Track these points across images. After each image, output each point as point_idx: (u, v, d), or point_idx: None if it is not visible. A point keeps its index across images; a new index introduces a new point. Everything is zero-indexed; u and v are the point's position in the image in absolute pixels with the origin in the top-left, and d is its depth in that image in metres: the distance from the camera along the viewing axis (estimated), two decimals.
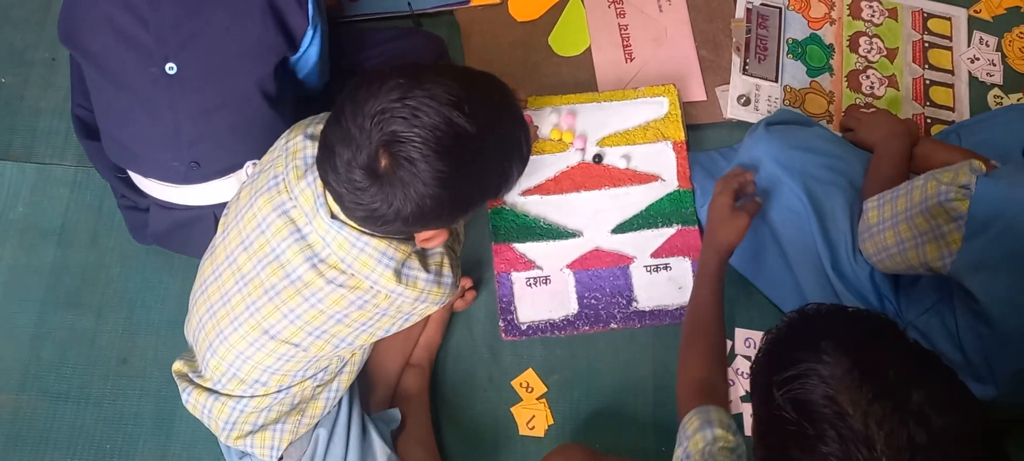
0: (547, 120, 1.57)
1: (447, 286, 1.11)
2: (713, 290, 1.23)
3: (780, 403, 0.75)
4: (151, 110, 1.24)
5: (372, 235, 1.03)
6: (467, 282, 1.47)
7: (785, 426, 0.74)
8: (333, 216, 1.03)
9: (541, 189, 1.55)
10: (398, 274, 1.05)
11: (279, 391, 1.18)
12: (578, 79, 1.66)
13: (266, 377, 1.16)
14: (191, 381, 1.21)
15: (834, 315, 0.81)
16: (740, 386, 1.43)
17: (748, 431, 1.36)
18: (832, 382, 0.73)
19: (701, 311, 1.22)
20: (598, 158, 1.55)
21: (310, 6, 1.24)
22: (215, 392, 1.19)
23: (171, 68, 1.20)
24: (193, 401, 1.20)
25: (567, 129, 1.56)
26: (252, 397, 1.17)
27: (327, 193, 1.02)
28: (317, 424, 1.24)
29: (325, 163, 0.98)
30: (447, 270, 1.11)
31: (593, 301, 1.48)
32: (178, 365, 1.24)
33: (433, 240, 1.05)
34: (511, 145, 1.00)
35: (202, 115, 1.24)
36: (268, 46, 1.23)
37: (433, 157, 0.92)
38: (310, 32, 1.26)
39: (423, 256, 1.08)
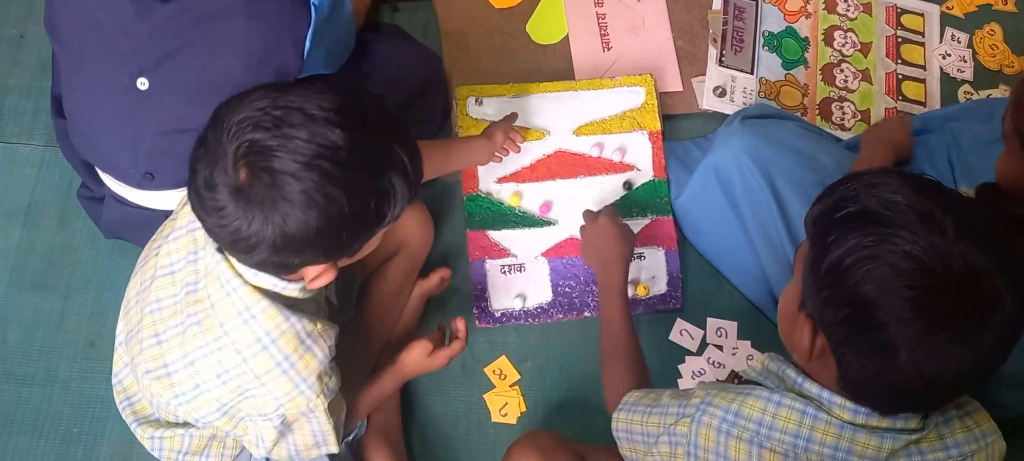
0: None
1: (302, 390, 0.99)
2: (622, 305, 1.24)
3: (859, 196, 0.83)
4: (116, 116, 1.20)
5: (246, 283, 0.96)
6: (445, 272, 1.46)
7: (857, 219, 0.82)
8: (219, 248, 0.97)
9: (516, 177, 1.55)
10: (253, 333, 0.97)
11: (182, 425, 1.15)
12: (555, 67, 1.66)
13: (134, 408, 1.14)
14: (125, 395, 1.20)
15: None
16: (712, 375, 1.44)
17: None
18: (909, 195, 0.82)
19: (615, 328, 1.23)
20: (628, 185, 1.54)
21: (308, 44, 1.12)
22: (136, 417, 1.17)
23: (143, 84, 1.14)
24: (127, 420, 1.20)
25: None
26: (167, 425, 1.15)
27: None
28: None
29: (189, 187, 0.91)
30: (308, 373, 0.99)
31: (567, 289, 1.48)
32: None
33: (319, 279, 0.96)
34: (389, 161, 0.91)
35: (165, 134, 1.19)
36: (251, 84, 1.13)
37: (296, 168, 0.85)
38: (305, 62, 1.14)
39: (300, 346, 0.98)
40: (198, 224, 0.98)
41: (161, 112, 1.17)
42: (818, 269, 0.84)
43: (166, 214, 1.25)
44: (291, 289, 0.98)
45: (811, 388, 0.88)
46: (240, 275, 0.96)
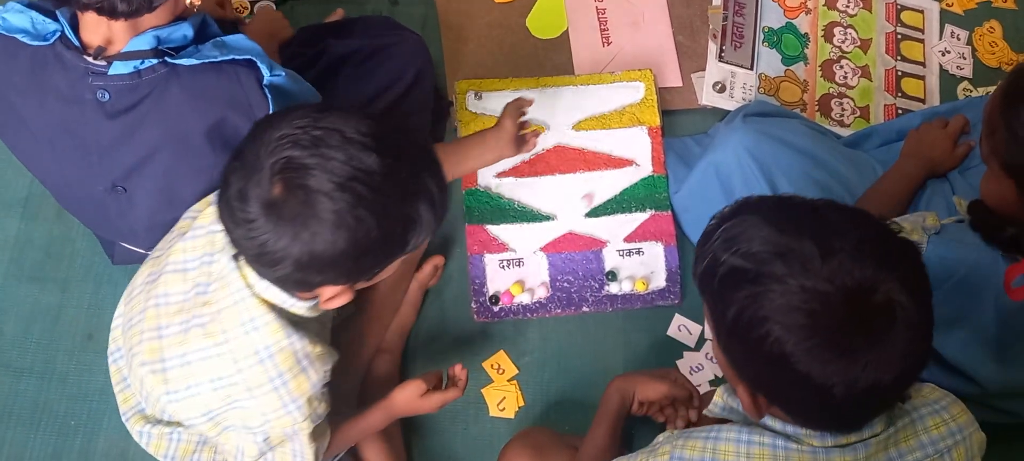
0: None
1: (290, 410, 1.00)
2: (611, 434, 1.21)
3: (721, 257, 0.82)
4: (105, 216, 1.22)
5: (255, 295, 0.97)
6: (438, 260, 1.46)
7: (730, 279, 0.81)
8: (235, 256, 0.98)
9: (516, 171, 1.54)
10: (252, 345, 0.97)
11: (170, 422, 1.15)
12: (555, 62, 1.65)
13: (124, 395, 1.14)
14: (120, 376, 1.20)
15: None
16: (710, 370, 1.44)
17: None
18: (765, 235, 0.81)
19: (594, 455, 1.20)
20: (612, 275, 1.48)
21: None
22: (129, 407, 1.18)
23: (120, 190, 1.15)
24: (123, 409, 1.20)
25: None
26: (155, 422, 1.15)
27: None
28: None
29: (220, 198, 0.92)
30: (298, 394, 1.00)
31: (565, 284, 1.48)
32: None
33: (335, 300, 0.97)
34: (418, 190, 0.92)
35: (154, 227, 1.20)
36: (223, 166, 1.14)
37: (331, 188, 0.86)
38: None
39: (296, 366, 0.99)
40: (219, 226, 0.98)
41: (145, 210, 1.18)
42: (722, 334, 0.84)
43: None
44: (299, 307, 0.99)
45: (774, 424, 0.88)
46: (250, 286, 0.97)
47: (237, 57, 1.06)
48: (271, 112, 1.08)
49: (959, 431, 0.90)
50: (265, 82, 1.08)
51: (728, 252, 0.81)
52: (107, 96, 1.06)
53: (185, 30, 1.06)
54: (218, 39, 1.09)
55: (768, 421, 0.88)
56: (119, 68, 1.04)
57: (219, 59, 1.06)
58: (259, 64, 1.07)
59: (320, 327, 1.07)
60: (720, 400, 0.94)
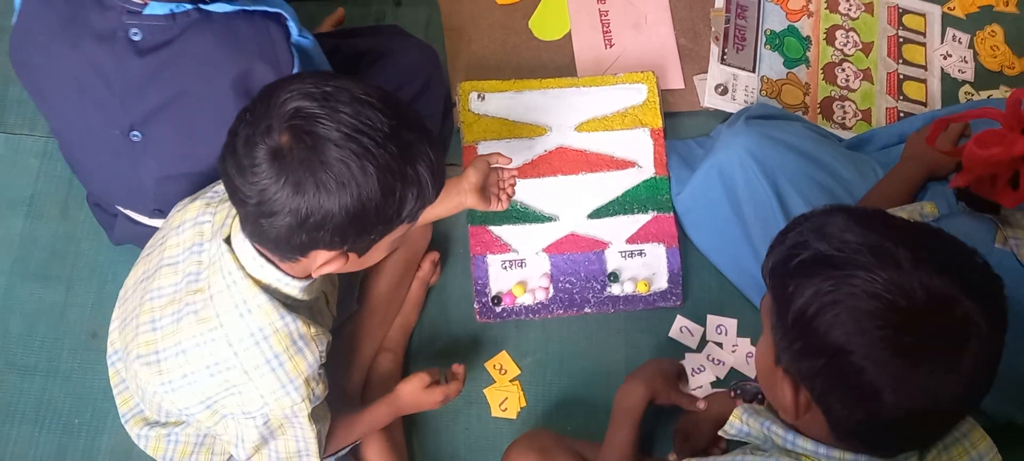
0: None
1: (288, 391, 1.01)
2: (633, 436, 1.22)
3: (809, 241, 0.81)
4: (114, 165, 1.21)
5: (248, 275, 0.98)
6: (434, 255, 1.47)
7: (812, 264, 0.80)
8: (227, 239, 1.00)
9: (518, 172, 1.55)
10: (247, 327, 0.98)
11: (166, 424, 1.16)
12: (558, 63, 1.66)
13: (123, 397, 1.16)
14: (119, 378, 1.21)
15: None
16: (711, 372, 1.45)
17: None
18: (858, 231, 0.81)
19: (619, 457, 1.20)
20: (614, 276, 1.49)
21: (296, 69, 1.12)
22: (128, 409, 1.19)
23: (136, 136, 1.15)
24: (122, 411, 1.21)
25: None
26: (153, 424, 1.16)
27: (236, 218, 0.98)
28: None
29: (225, 149, 0.93)
30: (296, 374, 1.01)
31: (568, 285, 1.49)
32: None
33: (327, 266, 0.96)
34: (421, 153, 0.93)
35: (164, 180, 1.20)
36: None
37: (338, 137, 0.87)
38: None
39: (291, 346, 1.01)
40: (207, 218, 0.99)
41: (157, 161, 1.18)
42: (785, 321, 0.82)
43: None
44: (292, 287, 1.00)
45: (806, 444, 0.86)
46: (243, 268, 0.98)
47: (269, 9, 1.09)
48: (295, 71, 1.10)
49: (980, 459, 0.89)
50: (293, 40, 1.10)
51: (818, 239, 0.80)
52: (140, 35, 1.07)
53: None
54: None
55: (799, 441, 0.86)
56: (155, 8, 1.06)
57: (252, 9, 1.08)
58: (289, 21, 1.09)
59: (310, 313, 1.07)
60: (738, 421, 0.92)
